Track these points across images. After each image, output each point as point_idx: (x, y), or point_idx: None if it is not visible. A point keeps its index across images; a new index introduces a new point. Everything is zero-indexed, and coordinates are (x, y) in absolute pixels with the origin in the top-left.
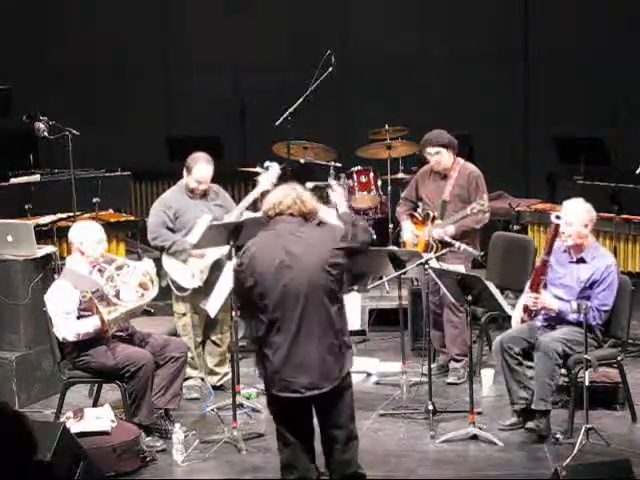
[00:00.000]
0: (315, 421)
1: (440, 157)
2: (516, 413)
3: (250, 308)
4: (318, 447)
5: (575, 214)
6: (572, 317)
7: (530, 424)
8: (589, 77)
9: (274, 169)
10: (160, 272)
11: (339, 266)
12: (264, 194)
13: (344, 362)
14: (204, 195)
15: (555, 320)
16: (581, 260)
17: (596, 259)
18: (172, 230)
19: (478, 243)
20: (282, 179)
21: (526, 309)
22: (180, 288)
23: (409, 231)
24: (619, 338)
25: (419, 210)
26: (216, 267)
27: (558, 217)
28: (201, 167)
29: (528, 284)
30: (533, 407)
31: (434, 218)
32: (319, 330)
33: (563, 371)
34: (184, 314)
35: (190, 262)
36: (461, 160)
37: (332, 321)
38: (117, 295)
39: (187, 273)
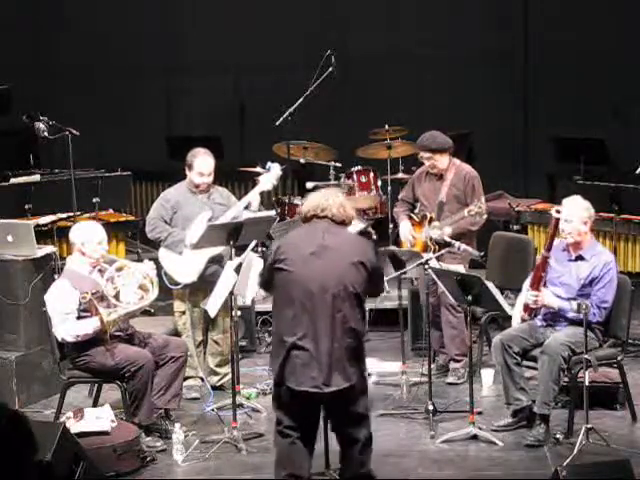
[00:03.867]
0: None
1: (434, 162)
2: (510, 413)
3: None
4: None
5: (574, 211)
6: (572, 315)
7: (530, 439)
8: (589, 77)
9: (275, 170)
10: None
11: (368, 266)
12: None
13: (362, 363)
14: (207, 192)
15: (554, 318)
16: (580, 258)
17: (595, 256)
18: (168, 224)
19: (475, 243)
20: (283, 180)
21: (526, 308)
22: (173, 282)
23: (406, 231)
24: (619, 338)
25: (416, 211)
26: (213, 264)
27: (558, 211)
28: (201, 159)
29: (528, 281)
30: (536, 411)
31: (431, 219)
32: (341, 328)
33: None
34: (183, 312)
35: (186, 256)
36: (457, 161)
37: (356, 321)
38: (117, 296)
39: (182, 267)
